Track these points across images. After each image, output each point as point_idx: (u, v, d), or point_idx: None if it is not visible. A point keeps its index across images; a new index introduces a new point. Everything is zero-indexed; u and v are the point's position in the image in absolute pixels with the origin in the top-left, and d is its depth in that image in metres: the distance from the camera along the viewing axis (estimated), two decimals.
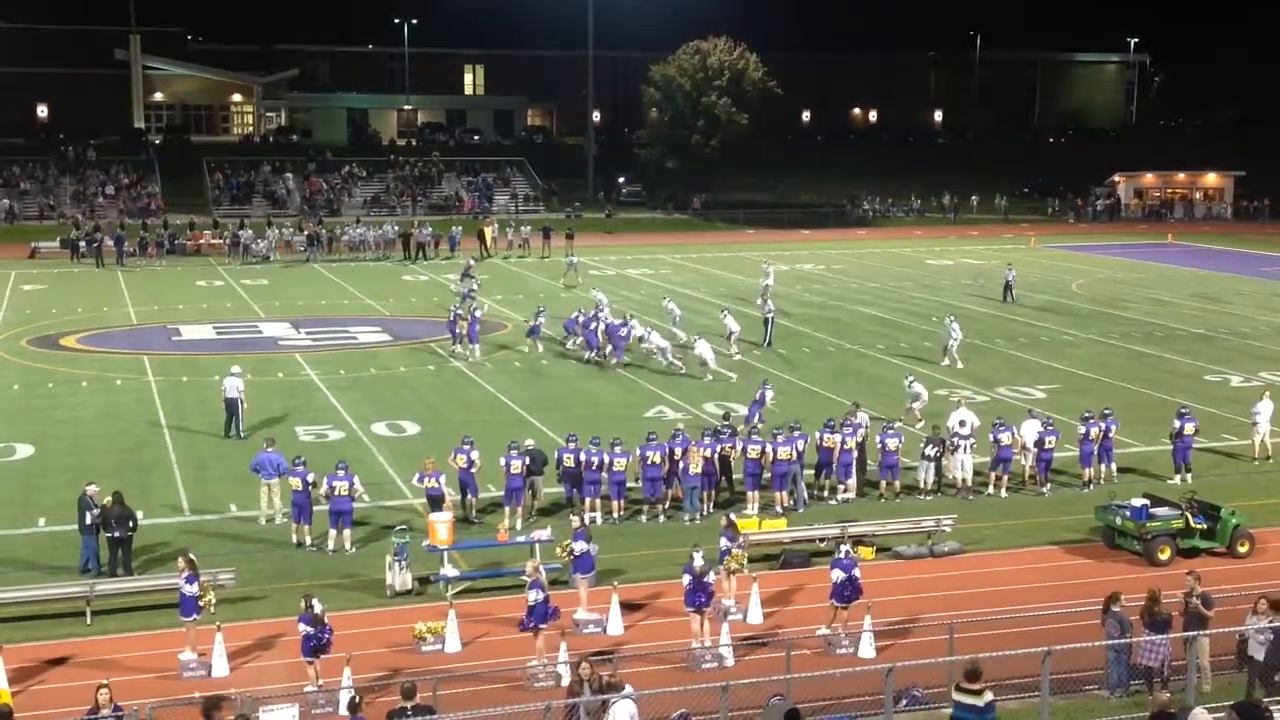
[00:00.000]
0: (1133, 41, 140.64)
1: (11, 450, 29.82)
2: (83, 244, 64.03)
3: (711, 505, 25.78)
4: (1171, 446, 28.36)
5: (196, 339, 43.68)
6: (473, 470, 25.05)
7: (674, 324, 42.65)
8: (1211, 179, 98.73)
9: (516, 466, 24.65)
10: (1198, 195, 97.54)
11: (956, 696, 15.54)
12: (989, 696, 15.28)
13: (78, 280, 57.46)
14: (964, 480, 27.00)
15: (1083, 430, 27.63)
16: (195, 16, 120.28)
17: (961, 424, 27.53)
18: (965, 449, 26.99)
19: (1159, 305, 52.67)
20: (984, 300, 53.09)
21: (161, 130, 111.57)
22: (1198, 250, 74.01)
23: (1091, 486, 27.37)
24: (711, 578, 19.67)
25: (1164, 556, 23.19)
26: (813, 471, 26.96)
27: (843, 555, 20.09)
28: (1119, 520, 23.78)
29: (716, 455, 26.09)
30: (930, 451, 27.06)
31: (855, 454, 26.92)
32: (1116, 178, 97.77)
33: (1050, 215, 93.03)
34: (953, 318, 41.11)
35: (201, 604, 19.04)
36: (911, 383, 32.77)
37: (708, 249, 71.79)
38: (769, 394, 31.29)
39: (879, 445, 26.89)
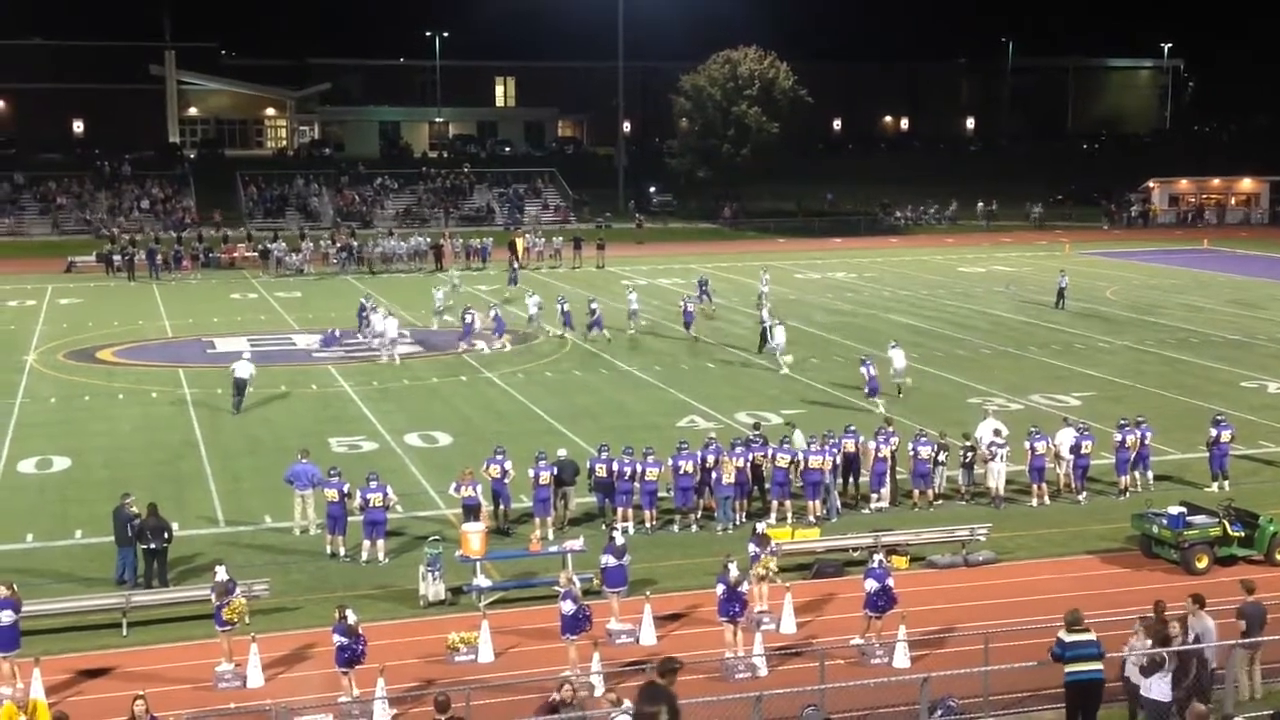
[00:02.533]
0: (1166, 47, 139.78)
1: (49, 463, 30.08)
2: (118, 258, 64.62)
3: (744, 515, 25.72)
4: (1208, 454, 28.11)
5: (231, 351, 43.87)
6: (506, 480, 25.12)
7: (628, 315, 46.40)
8: (1247, 184, 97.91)
9: (544, 478, 24.71)
10: (1233, 201, 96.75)
11: (1071, 638, 16.11)
12: (1094, 635, 16.02)
13: (113, 294, 57.96)
14: (997, 489, 26.83)
15: (1119, 438, 27.42)
16: (229, 32, 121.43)
17: (997, 433, 27.38)
18: (1000, 457, 26.83)
19: (1194, 311, 52.25)
20: (1017, 307, 52.82)
21: (196, 144, 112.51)
22: (1234, 256, 73.42)
23: (1128, 495, 27.16)
24: (745, 588, 19.64)
25: (1201, 565, 22.96)
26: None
27: (875, 565, 20.00)
28: (1156, 529, 23.57)
29: (749, 464, 26.04)
30: (943, 458, 26.98)
31: (889, 462, 26.79)
32: (1151, 183, 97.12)
33: (1034, 221, 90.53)
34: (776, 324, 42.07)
35: (231, 620, 19.04)
36: (893, 346, 36.71)
37: (739, 258, 71.71)
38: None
39: (911, 453, 26.76)
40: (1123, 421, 27.86)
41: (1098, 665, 16.15)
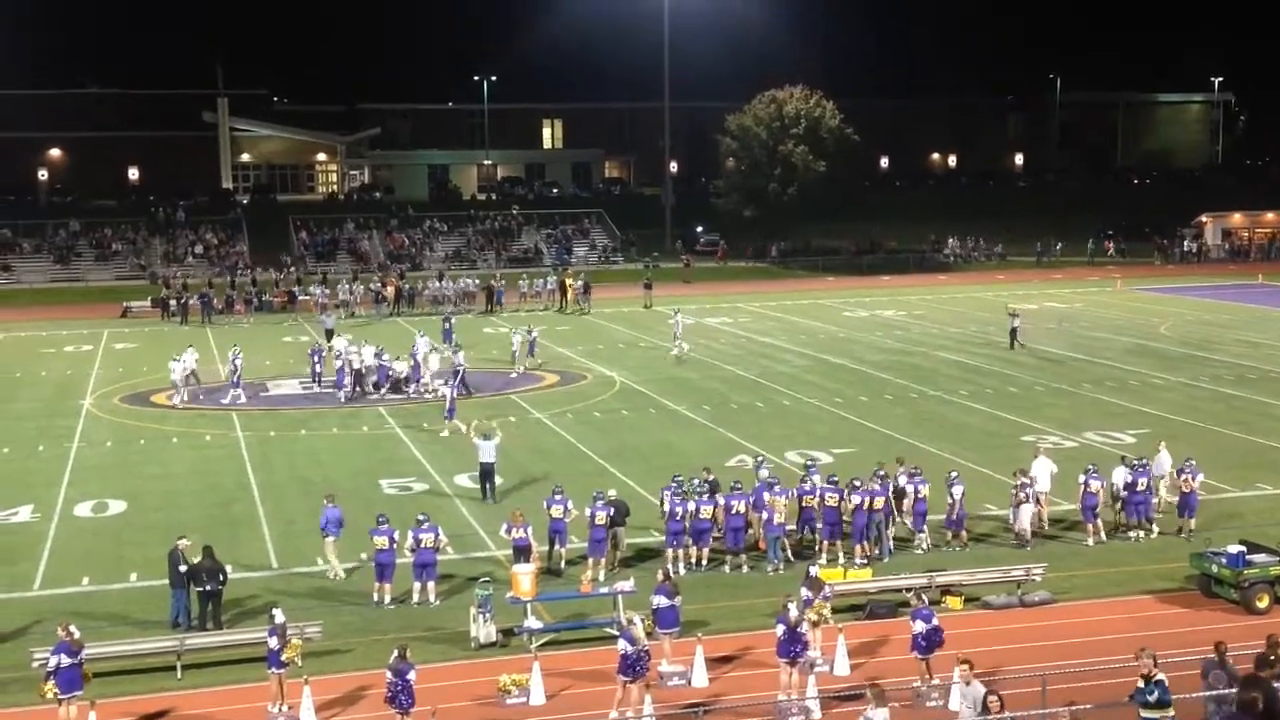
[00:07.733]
0: (1216, 81, 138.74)
1: (105, 506, 30.39)
2: (172, 302, 65.45)
3: (792, 554, 25.55)
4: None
5: (283, 394, 44.30)
6: (567, 519, 25.15)
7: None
8: None
9: (601, 517, 24.70)
10: None
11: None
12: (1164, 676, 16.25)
13: (168, 338, 58.55)
14: (1023, 530, 26.37)
15: (1182, 478, 26.97)
16: (280, 79, 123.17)
17: (1023, 472, 26.94)
18: (1031, 499, 26.46)
19: (1250, 347, 51.58)
20: (1069, 344, 52.34)
21: (249, 190, 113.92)
22: None
23: (1184, 534, 26.73)
24: (805, 628, 19.51)
25: (1262, 604, 22.56)
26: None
27: (922, 605, 19.83)
28: (1215, 568, 23.19)
29: (799, 503, 25.91)
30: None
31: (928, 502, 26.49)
32: (1203, 218, 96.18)
33: (1088, 257, 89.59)
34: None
35: (284, 659, 19.13)
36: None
37: (786, 296, 71.61)
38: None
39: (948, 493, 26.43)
40: (1187, 460, 27.35)
41: (1168, 711, 15.81)
